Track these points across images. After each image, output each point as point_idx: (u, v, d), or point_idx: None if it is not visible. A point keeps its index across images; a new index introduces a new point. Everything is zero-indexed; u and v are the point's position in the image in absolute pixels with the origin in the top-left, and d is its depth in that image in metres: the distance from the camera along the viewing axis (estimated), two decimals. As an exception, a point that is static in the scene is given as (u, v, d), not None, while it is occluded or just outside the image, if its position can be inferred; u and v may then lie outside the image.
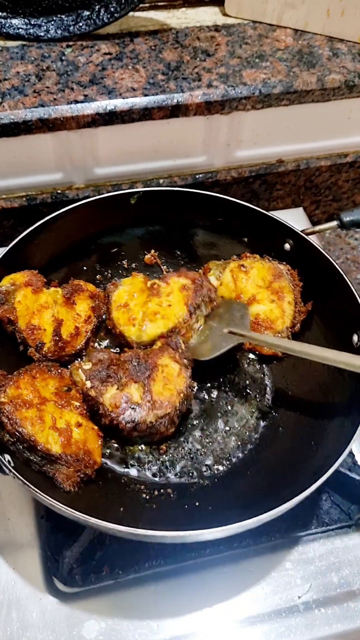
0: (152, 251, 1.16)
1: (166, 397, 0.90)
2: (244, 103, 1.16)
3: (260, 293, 1.05)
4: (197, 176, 1.29)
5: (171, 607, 0.85)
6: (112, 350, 1.03)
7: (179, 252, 1.17)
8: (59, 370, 0.95)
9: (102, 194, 1.24)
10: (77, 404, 0.90)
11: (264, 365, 1.06)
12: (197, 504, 0.87)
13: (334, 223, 1.08)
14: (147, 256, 1.16)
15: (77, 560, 0.85)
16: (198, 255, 1.16)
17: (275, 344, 0.96)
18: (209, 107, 1.15)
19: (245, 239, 1.12)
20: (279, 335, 1.02)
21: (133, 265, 1.16)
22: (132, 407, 0.88)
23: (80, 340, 1.00)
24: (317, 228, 1.08)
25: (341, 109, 1.25)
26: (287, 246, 1.07)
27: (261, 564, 0.89)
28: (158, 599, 0.85)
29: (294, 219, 1.29)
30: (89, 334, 1.00)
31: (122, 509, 0.84)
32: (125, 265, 1.16)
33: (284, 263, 1.08)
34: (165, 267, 1.17)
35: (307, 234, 1.05)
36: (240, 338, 0.98)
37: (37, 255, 1.04)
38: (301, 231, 1.05)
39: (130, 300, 1.03)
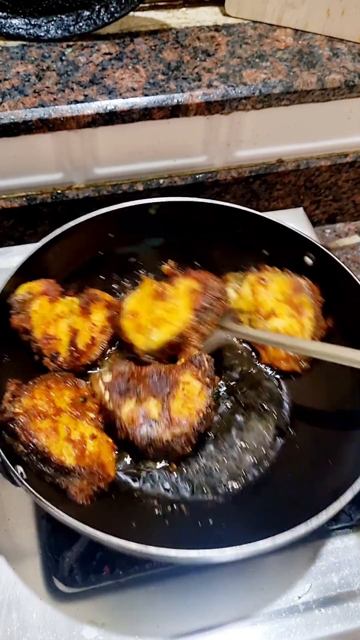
0: (170, 261, 1.13)
1: (185, 415, 0.88)
2: (244, 103, 1.16)
3: (280, 307, 1.02)
4: (197, 176, 1.29)
5: (171, 608, 0.84)
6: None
7: (197, 263, 1.14)
8: (75, 381, 0.93)
9: (103, 194, 1.25)
10: (93, 415, 0.89)
11: (282, 381, 1.03)
12: (210, 521, 0.86)
13: (358, 238, 1.07)
14: (165, 266, 1.12)
15: (78, 561, 0.84)
16: (217, 267, 1.13)
17: (270, 340, 0.94)
18: (209, 107, 1.15)
19: (266, 252, 1.10)
20: (296, 353, 1.00)
21: (151, 275, 1.13)
22: (149, 423, 0.87)
23: (96, 351, 0.98)
24: (340, 243, 1.06)
25: (341, 109, 1.25)
26: (308, 260, 1.05)
27: (261, 563, 0.89)
28: (158, 599, 0.85)
29: (294, 219, 1.29)
30: (104, 344, 0.99)
31: (134, 524, 0.83)
32: (143, 276, 1.13)
33: (305, 277, 1.05)
34: None
35: (329, 249, 1.02)
36: (230, 333, 0.96)
37: (54, 264, 1.03)
38: (323, 245, 1.02)
39: (140, 308, 1.01)
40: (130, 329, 1.00)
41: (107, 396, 0.89)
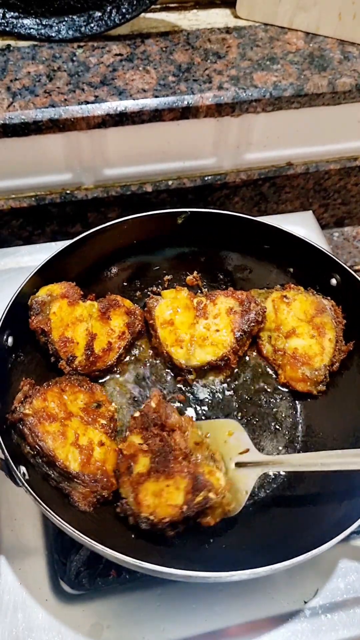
0: (195, 273, 1.11)
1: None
2: (254, 105, 1.16)
3: (301, 327, 1.01)
4: (206, 178, 1.29)
5: (177, 611, 0.84)
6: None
7: (221, 276, 1.13)
8: (90, 385, 0.93)
9: (112, 195, 1.25)
10: (104, 422, 0.89)
11: (297, 402, 1.01)
12: (212, 540, 0.84)
13: None
14: (190, 277, 1.11)
15: (85, 564, 0.84)
16: (241, 281, 1.12)
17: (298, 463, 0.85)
18: (219, 109, 1.15)
19: (291, 269, 1.08)
20: (316, 372, 0.98)
21: (174, 285, 1.11)
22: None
23: (112, 356, 0.98)
24: None
25: (352, 112, 1.25)
26: (333, 281, 1.03)
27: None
28: (164, 602, 0.85)
29: (303, 222, 1.29)
30: (121, 350, 0.99)
31: (133, 535, 0.82)
32: (166, 284, 1.12)
33: (329, 298, 1.03)
34: (206, 289, 1.12)
35: (356, 271, 1.00)
36: (255, 467, 0.86)
37: (76, 268, 1.02)
38: (349, 267, 1.00)
39: (175, 316, 1.00)
40: (169, 341, 0.99)
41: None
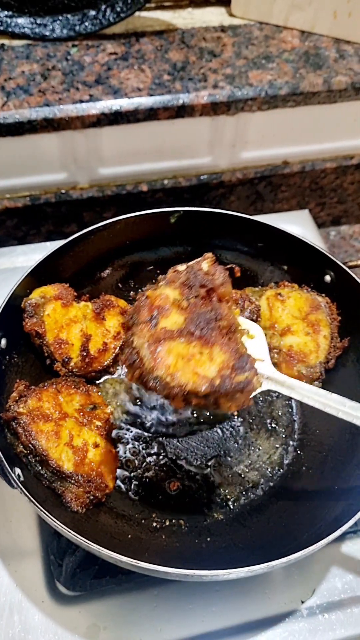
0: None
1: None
2: (250, 104, 1.16)
3: (296, 324, 1.00)
4: (202, 177, 1.29)
5: (173, 611, 0.84)
6: None
7: None
8: (86, 387, 0.93)
9: (107, 194, 1.25)
10: (99, 423, 0.89)
11: (292, 400, 1.01)
12: (208, 539, 0.85)
13: None
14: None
15: (80, 564, 0.84)
16: (235, 280, 1.10)
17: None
18: (214, 108, 1.15)
19: (285, 267, 1.08)
20: (311, 369, 0.97)
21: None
22: None
23: (108, 357, 0.97)
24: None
25: (347, 111, 1.25)
26: (327, 278, 1.02)
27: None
28: (160, 603, 0.84)
29: (300, 221, 1.29)
30: (117, 350, 0.98)
31: (129, 535, 0.82)
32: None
33: (323, 295, 1.03)
34: None
35: (350, 267, 1.00)
36: (265, 380, 0.82)
37: (70, 268, 1.02)
38: (344, 263, 1.00)
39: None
40: None
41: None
